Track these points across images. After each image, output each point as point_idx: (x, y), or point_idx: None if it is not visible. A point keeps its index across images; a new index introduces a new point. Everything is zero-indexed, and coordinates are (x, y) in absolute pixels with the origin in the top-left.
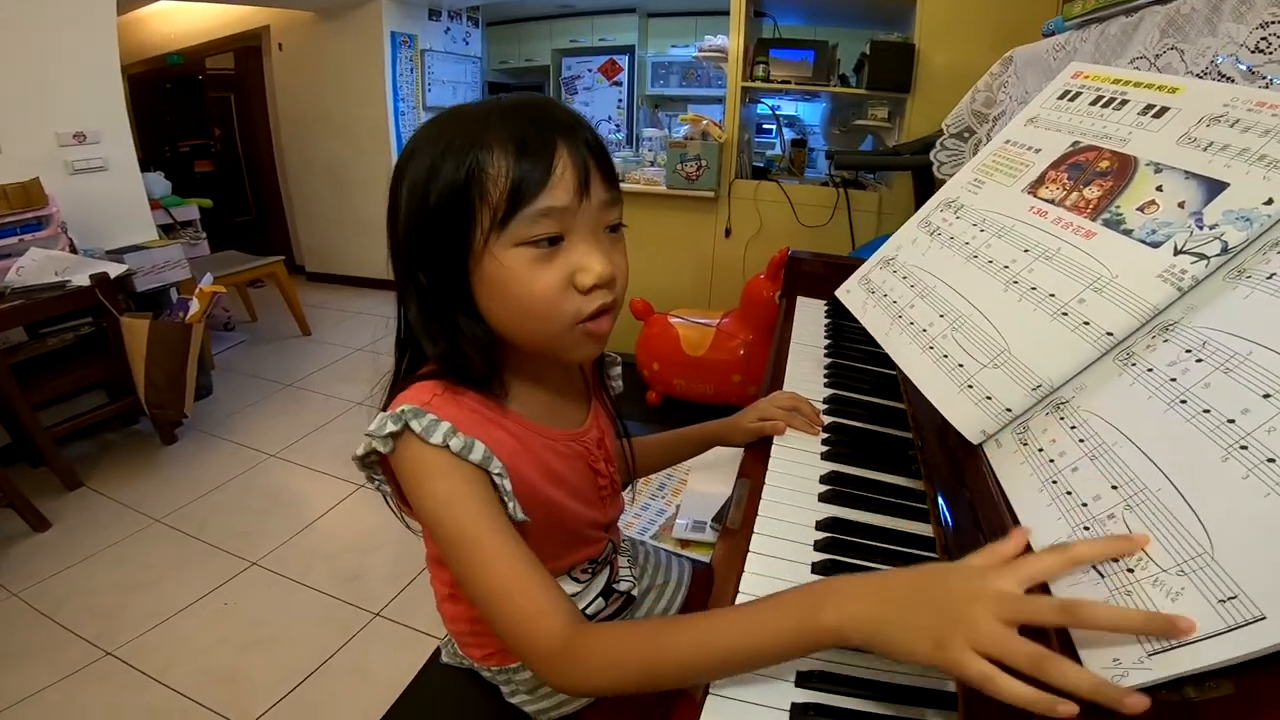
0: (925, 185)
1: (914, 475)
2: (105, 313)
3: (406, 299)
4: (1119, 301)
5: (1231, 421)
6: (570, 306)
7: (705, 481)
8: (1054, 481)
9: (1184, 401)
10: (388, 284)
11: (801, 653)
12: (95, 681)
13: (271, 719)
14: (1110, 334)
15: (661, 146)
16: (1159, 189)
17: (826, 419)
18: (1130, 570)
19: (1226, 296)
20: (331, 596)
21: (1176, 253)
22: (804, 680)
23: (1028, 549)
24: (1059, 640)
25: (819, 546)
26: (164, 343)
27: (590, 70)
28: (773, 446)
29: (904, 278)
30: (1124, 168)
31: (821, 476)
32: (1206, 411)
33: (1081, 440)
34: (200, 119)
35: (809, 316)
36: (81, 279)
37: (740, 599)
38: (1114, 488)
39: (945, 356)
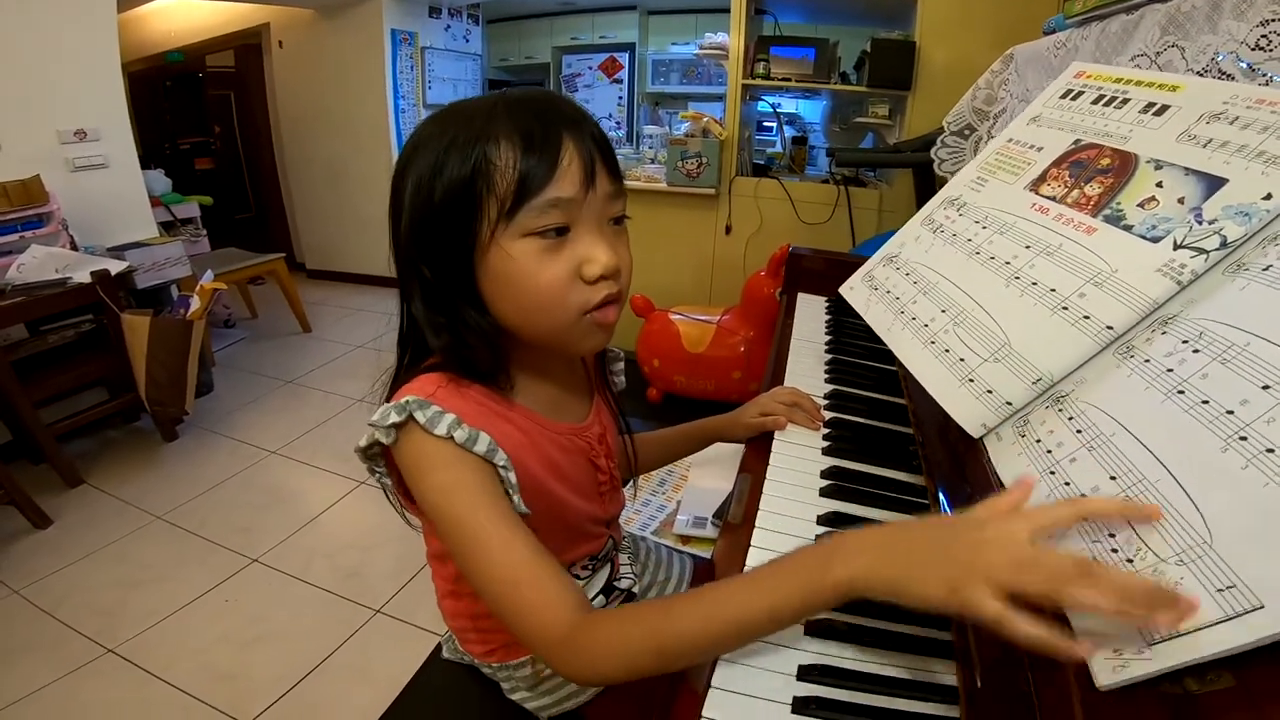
0: (926, 183)
1: (915, 470)
2: (106, 310)
3: (410, 294)
4: (1119, 296)
5: (1230, 413)
6: (577, 297)
7: (706, 477)
8: (1052, 473)
9: (1181, 392)
10: (388, 281)
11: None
12: (96, 678)
13: (272, 716)
14: (1110, 328)
15: (662, 144)
16: (1159, 185)
17: (827, 414)
18: (1129, 560)
19: (1226, 289)
20: (332, 593)
21: (1176, 247)
22: (806, 674)
23: None
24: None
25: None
26: (165, 340)
27: (591, 68)
28: (774, 442)
29: (907, 274)
30: (1125, 165)
31: (822, 471)
32: (1205, 403)
33: (1079, 431)
34: (200, 116)
35: (810, 313)
36: (82, 276)
37: None
38: (1112, 478)
39: (947, 351)
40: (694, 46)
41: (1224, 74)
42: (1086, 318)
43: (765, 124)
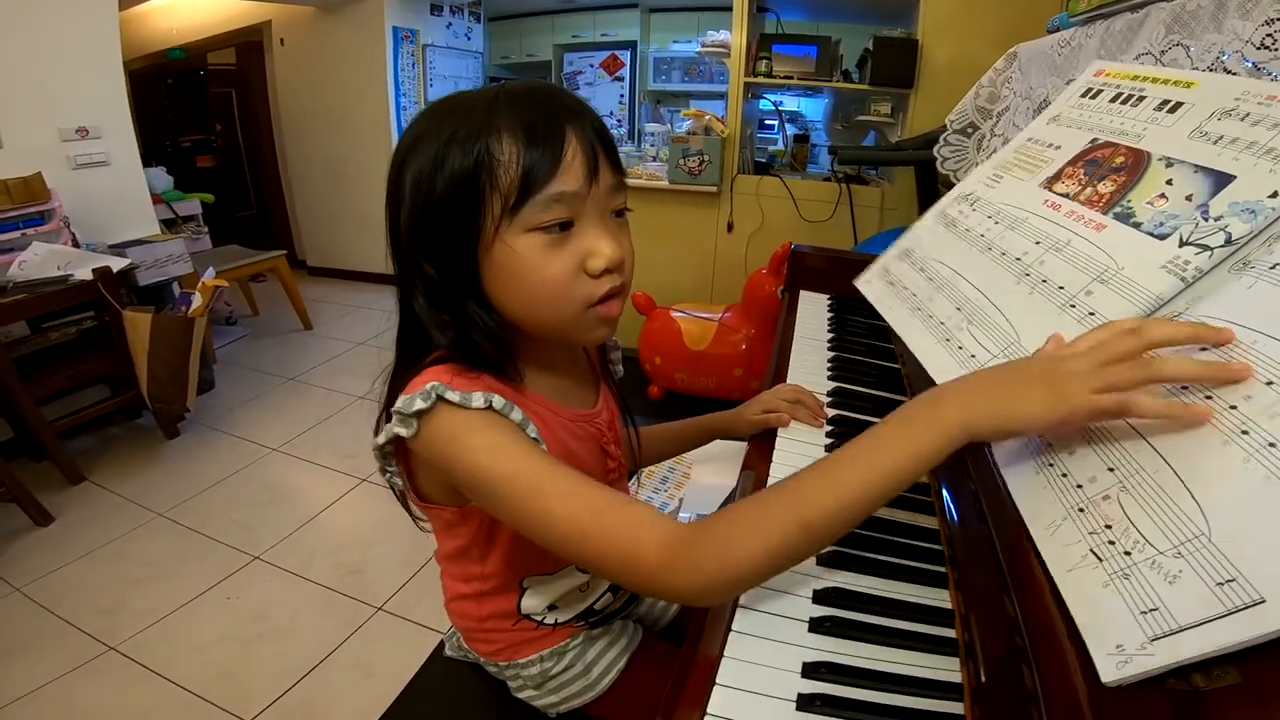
0: (928, 181)
1: None
2: (108, 307)
3: (411, 290)
4: (1124, 293)
5: (1234, 408)
6: (582, 291)
7: (709, 474)
8: (1050, 465)
9: (1185, 388)
10: (389, 278)
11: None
12: (97, 676)
13: (273, 713)
14: None
15: (664, 141)
16: (1169, 183)
17: (830, 411)
18: (1128, 553)
19: (1232, 287)
20: (334, 591)
21: (1182, 244)
22: (810, 671)
23: None
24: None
25: None
26: (166, 337)
27: (592, 65)
28: (777, 439)
29: (921, 269)
30: (1137, 163)
31: None
32: (1209, 398)
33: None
34: (202, 114)
35: (812, 310)
36: (84, 273)
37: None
38: (1110, 470)
39: (960, 348)
40: (696, 44)
41: (1229, 73)
42: (1092, 314)
43: (767, 122)
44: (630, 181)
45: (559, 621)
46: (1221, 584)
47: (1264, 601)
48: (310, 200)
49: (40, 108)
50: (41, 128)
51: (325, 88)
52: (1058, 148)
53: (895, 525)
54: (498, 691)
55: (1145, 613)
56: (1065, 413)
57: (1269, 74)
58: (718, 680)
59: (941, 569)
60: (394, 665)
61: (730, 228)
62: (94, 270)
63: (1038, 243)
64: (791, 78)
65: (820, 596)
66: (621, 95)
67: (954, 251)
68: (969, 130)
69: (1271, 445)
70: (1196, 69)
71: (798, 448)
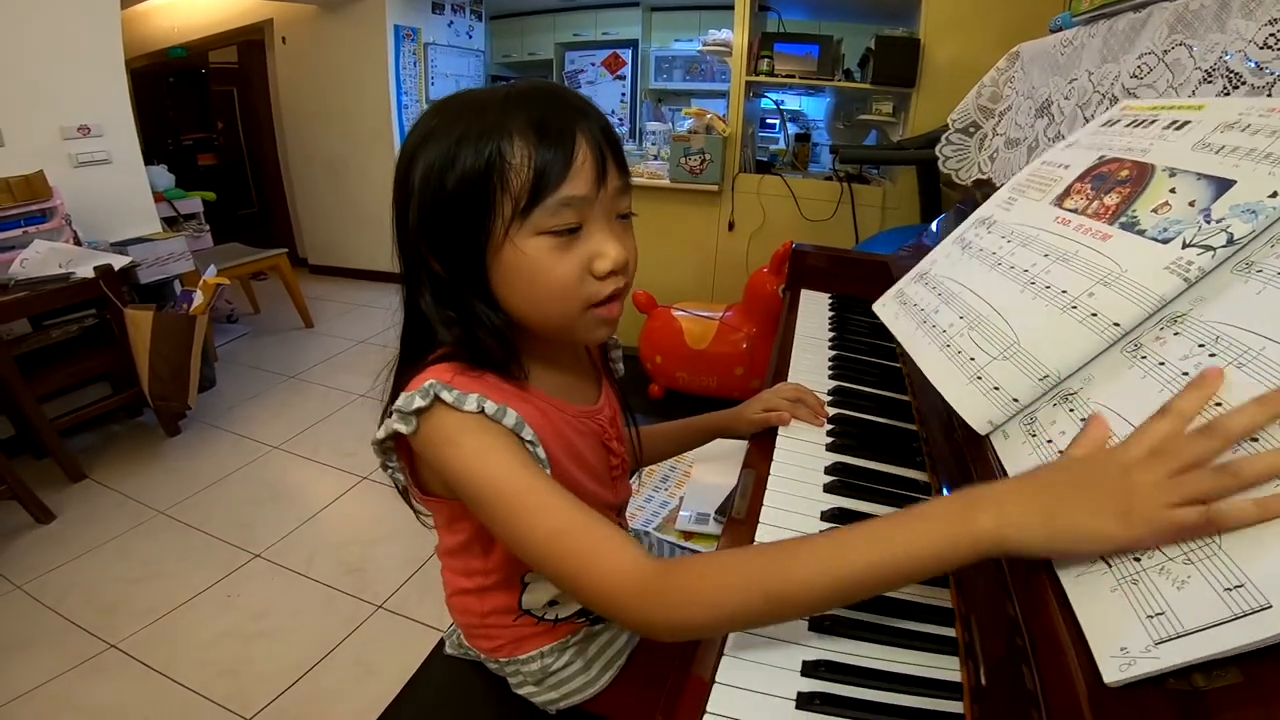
0: (930, 180)
1: (919, 467)
2: (109, 305)
3: (418, 289)
4: (1126, 294)
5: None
6: (586, 292)
7: (709, 473)
8: None
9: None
10: (390, 276)
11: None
12: (98, 674)
13: (275, 711)
14: (1117, 324)
15: (665, 140)
16: (1172, 191)
17: (831, 410)
18: (1137, 559)
19: (1238, 290)
20: (335, 589)
21: (1184, 246)
22: (810, 669)
23: None
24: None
25: None
26: (168, 334)
27: (594, 64)
28: (778, 438)
29: (932, 288)
30: (1141, 174)
31: (826, 468)
32: (1218, 405)
33: None
34: (203, 112)
35: (813, 309)
36: (85, 271)
37: None
38: None
39: (960, 353)
40: (697, 43)
41: (1232, 72)
42: (1094, 315)
43: (768, 121)
44: (632, 180)
45: (560, 618)
46: (1229, 589)
47: (1270, 606)
48: (311, 198)
49: (42, 106)
50: (43, 126)
51: (327, 86)
52: (1067, 167)
53: None
54: (498, 689)
55: (1151, 617)
56: (1143, 534)
57: (1272, 73)
58: (718, 678)
59: None
60: (394, 663)
61: (731, 226)
62: (95, 268)
63: (1046, 255)
64: (793, 77)
65: None
66: (623, 94)
67: (964, 269)
68: (971, 129)
69: None
70: (1199, 68)
71: (798, 446)
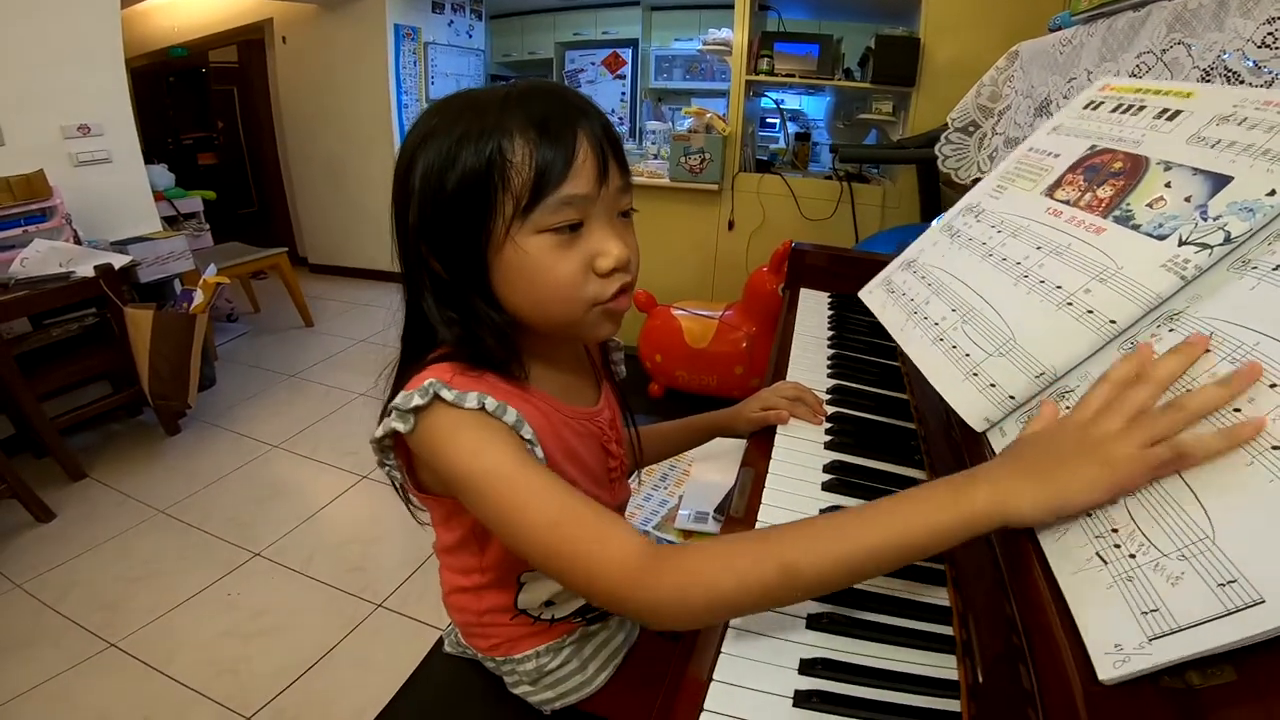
0: (929, 179)
1: (917, 465)
2: (109, 304)
3: (418, 289)
4: (1123, 291)
5: (1237, 410)
6: (590, 290)
7: (708, 472)
8: None
9: (1189, 391)
10: (390, 275)
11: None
12: (99, 672)
13: (274, 709)
14: (1114, 322)
15: (665, 139)
16: (1168, 185)
17: (830, 409)
18: (1132, 556)
19: (1233, 287)
20: (334, 587)
21: (1181, 243)
22: (807, 667)
23: None
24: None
25: None
26: (168, 333)
27: (594, 63)
28: (776, 436)
29: (922, 278)
30: (1135, 167)
31: (825, 466)
32: (1211, 412)
33: None
34: (203, 112)
35: (812, 308)
36: (86, 270)
37: None
38: None
39: (954, 347)
40: (697, 42)
41: (1230, 71)
42: (1090, 312)
43: (768, 120)
44: (632, 179)
45: (556, 617)
46: (1223, 585)
47: (1264, 602)
48: (311, 198)
49: (42, 105)
50: (44, 125)
51: (327, 85)
52: (1057, 156)
53: None
54: (496, 688)
55: (1146, 613)
56: (1122, 477)
57: (1270, 72)
58: (714, 677)
59: (940, 567)
60: (393, 662)
61: (731, 226)
62: (96, 267)
63: (1038, 248)
64: (793, 76)
65: None
66: (623, 93)
67: (954, 259)
68: (970, 129)
69: (1275, 448)
70: (1198, 67)
71: (797, 445)
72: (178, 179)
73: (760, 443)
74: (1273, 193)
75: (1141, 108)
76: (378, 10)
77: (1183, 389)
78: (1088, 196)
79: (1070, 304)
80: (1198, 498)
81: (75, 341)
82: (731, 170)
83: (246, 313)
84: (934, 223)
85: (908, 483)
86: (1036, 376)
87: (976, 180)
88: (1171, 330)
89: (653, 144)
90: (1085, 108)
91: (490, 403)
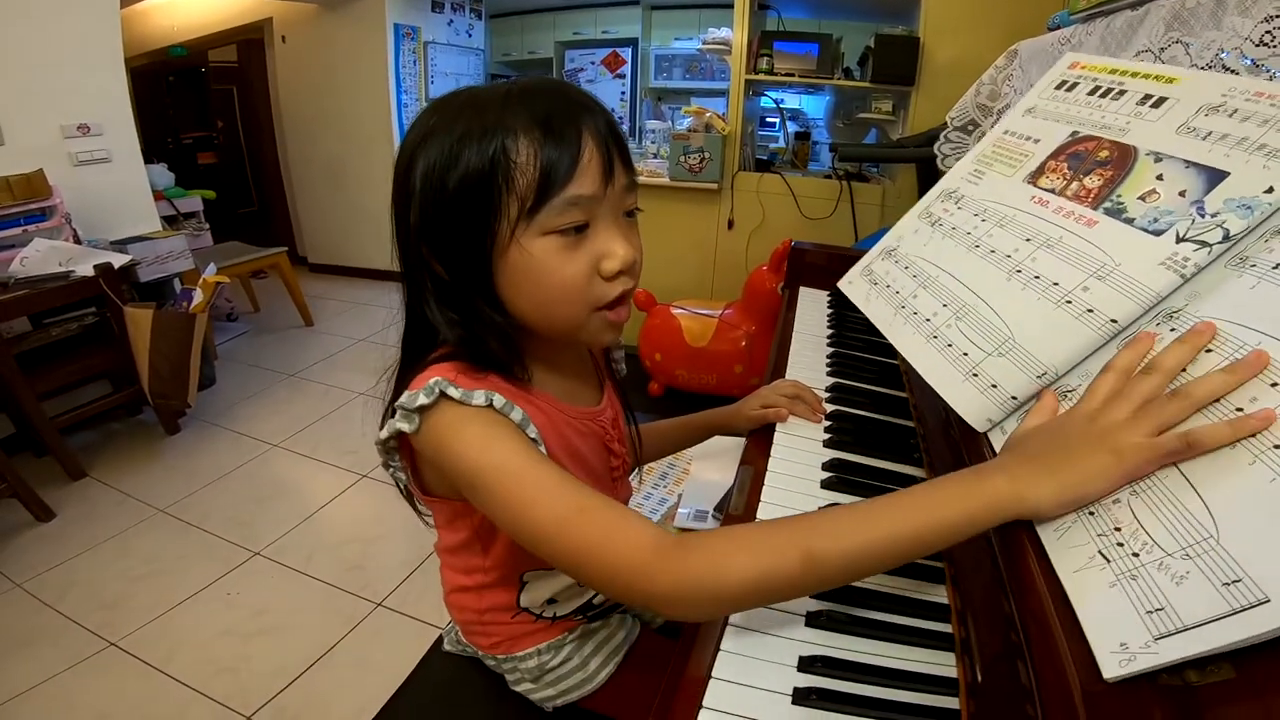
0: (929, 178)
1: (916, 463)
2: (109, 303)
3: (420, 290)
4: (1122, 289)
5: (1240, 410)
6: (594, 293)
7: (708, 470)
8: None
9: (1195, 379)
10: (390, 275)
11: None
12: (99, 671)
13: (274, 708)
14: (1114, 321)
15: (665, 139)
16: (1159, 178)
17: (829, 407)
18: (1136, 555)
19: (1232, 285)
20: (334, 586)
21: (1179, 240)
22: (806, 665)
23: None
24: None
25: None
26: (168, 333)
27: (593, 63)
28: (775, 434)
29: (906, 268)
30: (1124, 157)
31: (824, 464)
32: (1216, 400)
33: None
34: (203, 111)
35: (812, 307)
36: (85, 269)
37: None
38: None
39: (949, 346)
40: (697, 41)
41: (1228, 70)
42: (1090, 311)
43: (768, 119)
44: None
45: (558, 615)
46: (1228, 584)
47: (1269, 601)
48: (311, 197)
49: (42, 105)
50: (43, 124)
51: (326, 85)
52: (1036, 141)
53: None
54: (496, 685)
55: (1151, 612)
56: (1131, 466)
57: (1268, 71)
58: (714, 674)
59: (939, 564)
60: (393, 660)
61: (731, 225)
62: (95, 266)
63: (1028, 240)
64: (793, 75)
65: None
66: (623, 92)
67: (939, 249)
68: (970, 127)
69: (1277, 448)
70: (1196, 66)
71: (796, 443)
72: (177, 178)
73: (759, 441)
74: (1270, 190)
75: (1122, 92)
76: (377, 9)
77: (1185, 380)
78: (1074, 186)
79: (1069, 302)
80: (1201, 496)
81: (75, 341)
82: (731, 169)
83: (246, 312)
84: (912, 211)
85: (907, 481)
86: (1038, 377)
87: None
88: (1172, 329)
89: (652, 143)
90: (1058, 88)
91: (498, 400)
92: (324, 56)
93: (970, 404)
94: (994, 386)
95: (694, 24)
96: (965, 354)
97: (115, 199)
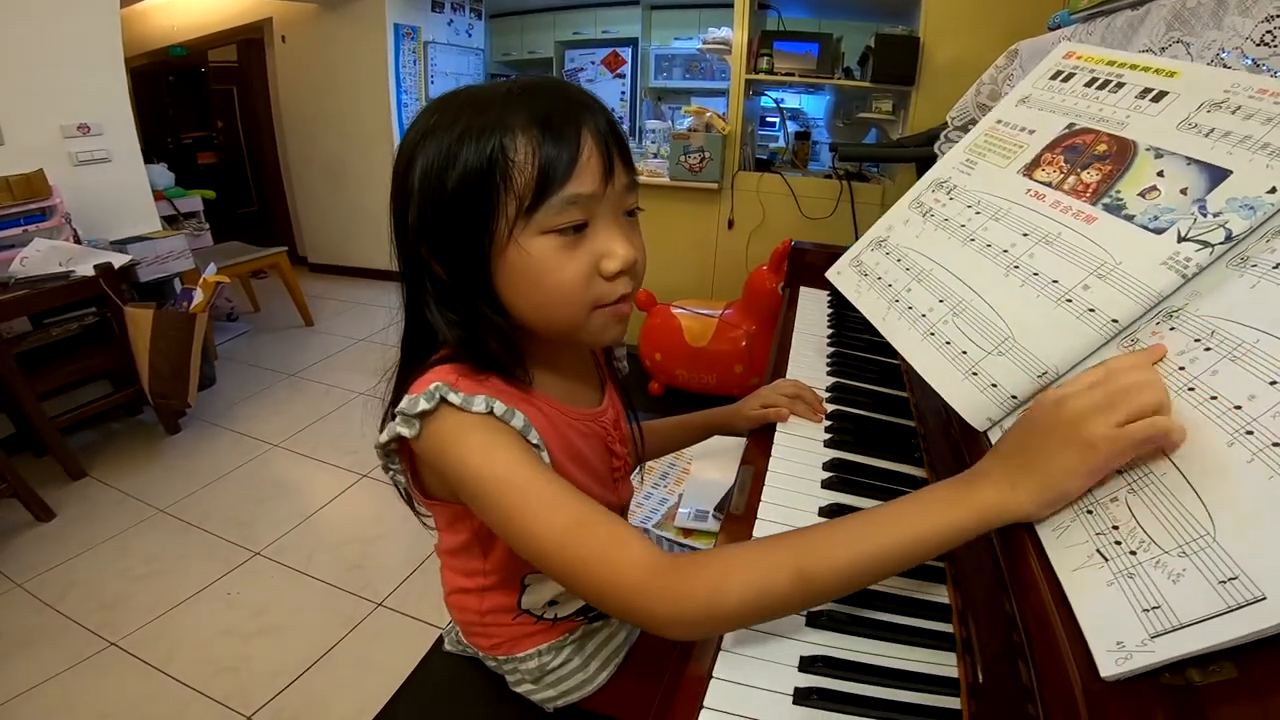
0: None
1: (916, 463)
2: (109, 303)
3: (419, 291)
4: (1123, 288)
5: (1238, 408)
6: (595, 294)
7: (708, 470)
8: None
9: (1191, 389)
10: (390, 274)
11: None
12: (99, 671)
13: (274, 708)
14: (1115, 320)
15: (665, 138)
16: (1160, 174)
17: (829, 406)
18: (1133, 553)
19: (1233, 284)
20: (334, 586)
21: (1180, 239)
22: (807, 665)
23: None
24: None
25: None
26: (168, 332)
27: (593, 62)
28: (776, 434)
29: (898, 260)
30: (1123, 151)
31: (825, 463)
32: (1213, 398)
33: None
34: (203, 111)
35: (812, 306)
36: (85, 269)
37: None
38: (1119, 472)
39: (947, 343)
40: (697, 41)
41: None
42: (1091, 310)
43: (768, 119)
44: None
45: (559, 616)
46: (1224, 582)
47: (1265, 599)
48: (311, 197)
49: (42, 105)
50: (43, 124)
51: (326, 85)
52: (1031, 132)
53: None
54: (497, 686)
55: (1147, 610)
56: (1108, 453)
57: (1268, 70)
58: (715, 674)
59: (940, 564)
60: (394, 660)
61: (731, 224)
62: (95, 266)
63: (1025, 234)
64: (793, 75)
65: None
66: (623, 92)
67: (932, 242)
68: (969, 127)
69: (1275, 445)
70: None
71: (797, 443)
72: (177, 178)
73: (760, 440)
74: (1273, 190)
75: (1120, 84)
76: (377, 9)
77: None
78: (1071, 180)
79: (1069, 300)
80: (1198, 494)
81: (75, 341)
82: (731, 169)
83: (246, 312)
84: (902, 201)
85: (907, 480)
86: (1038, 376)
87: None
88: (1172, 329)
89: (652, 143)
90: (1053, 78)
91: (499, 407)
92: (324, 56)
93: (970, 403)
94: (994, 386)
95: (694, 24)
96: (964, 352)
97: (115, 199)
